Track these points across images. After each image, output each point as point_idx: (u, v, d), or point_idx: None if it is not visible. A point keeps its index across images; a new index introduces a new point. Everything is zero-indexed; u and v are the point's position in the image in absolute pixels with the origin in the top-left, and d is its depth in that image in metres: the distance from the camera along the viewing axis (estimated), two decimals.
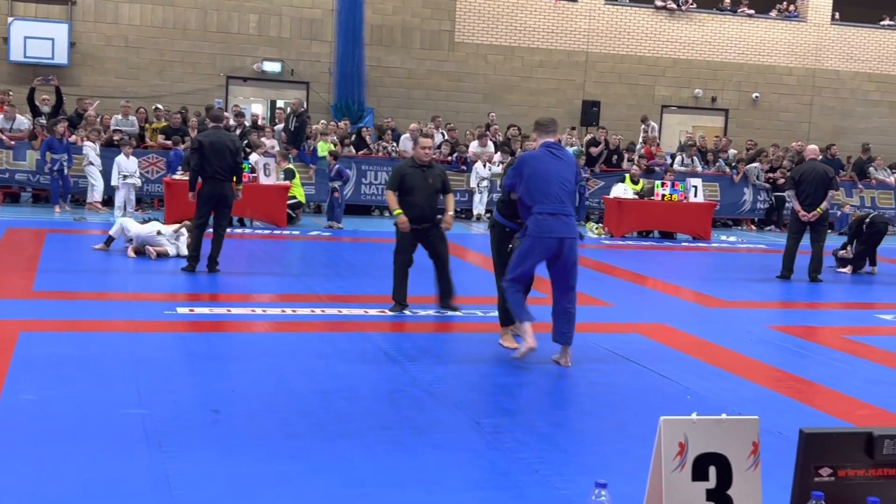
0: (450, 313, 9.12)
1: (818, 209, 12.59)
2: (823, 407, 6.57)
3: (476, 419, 5.88)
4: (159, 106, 19.93)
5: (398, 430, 5.61)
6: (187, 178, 15.75)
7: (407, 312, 9.06)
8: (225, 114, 18.01)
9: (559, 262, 7.34)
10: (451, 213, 9.32)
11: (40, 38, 21.74)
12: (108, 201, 17.47)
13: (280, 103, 22.41)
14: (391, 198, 9.07)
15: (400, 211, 8.98)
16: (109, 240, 12.15)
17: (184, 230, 12.10)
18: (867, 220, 14.10)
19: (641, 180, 18.57)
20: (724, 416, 2.56)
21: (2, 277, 10.04)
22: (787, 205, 20.85)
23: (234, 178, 11.07)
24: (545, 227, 7.15)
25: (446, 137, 20.31)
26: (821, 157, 15.73)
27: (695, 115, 26.37)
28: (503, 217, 7.84)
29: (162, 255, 11.87)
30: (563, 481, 4.81)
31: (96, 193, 17.07)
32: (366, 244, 15.25)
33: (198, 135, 12.68)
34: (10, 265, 10.92)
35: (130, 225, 12.22)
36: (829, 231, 21.08)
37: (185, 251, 11.71)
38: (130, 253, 11.82)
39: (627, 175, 18.70)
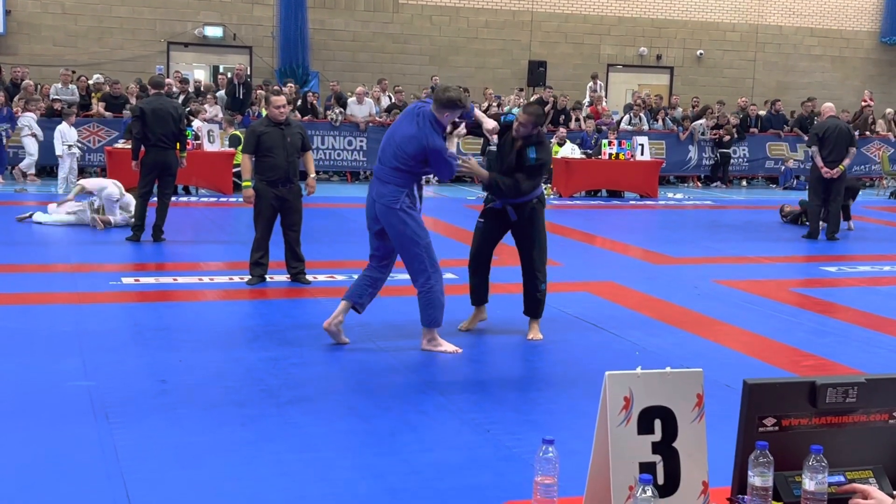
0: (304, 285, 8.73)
1: (840, 166, 12.67)
2: (769, 359, 6.66)
3: (427, 381, 5.88)
4: (99, 76, 19.53)
5: (348, 395, 5.59)
6: (129, 146, 15.54)
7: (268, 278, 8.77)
8: (167, 80, 17.72)
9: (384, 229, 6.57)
10: (312, 174, 9.02)
11: None
12: (43, 171, 17.16)
13: (222, 68, 22.09)
14: (246, 163, 8.63)
15: (249, 183, 8.59)
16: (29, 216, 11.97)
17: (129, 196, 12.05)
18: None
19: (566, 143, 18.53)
20: (668, 369, 2.56)
21: None
22: (731, 161, 21.11)
23: (178, 146, 10.91)
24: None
25: (393, 100, 20.18)
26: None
27: (640, 74, 26.44)
28: None
29: (107, 224, 11.71)
30: (514, 440, 4.84)
31: (32, 164, 16.73)
32: (315, 210, 15.13)
33: (138, 102, 12.47)
34: None
35: (89, 184, 12.05)
36: (774, 186, 21.48)
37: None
38: (99, 225, 11.62)
39: (553, 140, 18.66)
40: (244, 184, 8.72)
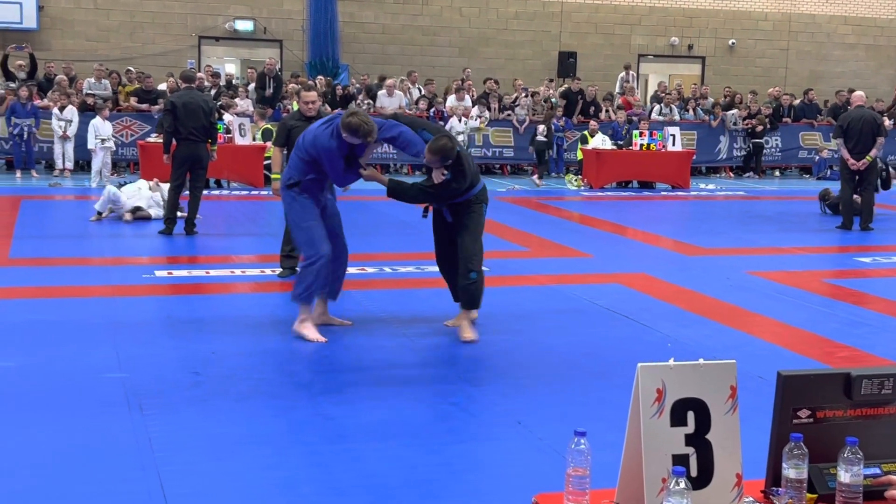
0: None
1: (867, 157, 12.52)
2: (802, 350, 6.61)
3: (459, 373, 5.89)
4: (131, 68, 19.67)
5: (380, 386, 5.61)
6: (161, 140, 15.64)
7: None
8: (199, 74, 17.82)
9: None
10: None
11: (8, 3, 21.36)
12: (77, 165, 17.34)
13: (252, 62, 22.18)
14: (276, 156, 8.62)
15: (278, 175, 8.22)
16: (99, 215, 11.93)
17: (165, 186, 12.16)
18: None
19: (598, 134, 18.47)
20: (701, 361, 2.55)
21: None
22: (763, 151, 20.94)
23: (210, 139, 10.97)
24: None
25: (423, 93, 20.16)
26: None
27: (672, 64, 26.27)
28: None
29: (141, 218, 11.79)
30: (546, 432, 4.83)
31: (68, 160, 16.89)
32: (346, 202, 15.17)
33: (170, 96, 12.53)
34: None
35: (120, 195, 11.98)
36: (807, 176, 21.28)
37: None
38: (128, 217, 11.71)
39: (587, 132, 18.60)
40: (273, 176, 8.74)
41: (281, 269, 8.71)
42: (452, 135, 6.84)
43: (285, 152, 8.56)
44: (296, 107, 18.29)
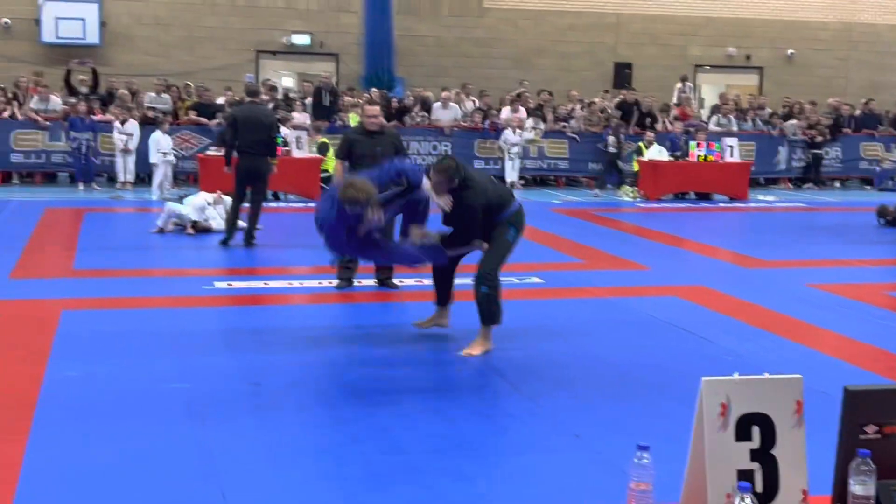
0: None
1: None
2: (866, 365, 6.49)
3: (515, 385, 5.88)
4: (189, 83, 19.96)
5: (437, 398, 5.62)
6: (221, 153, 15.83)
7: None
8: (261, 87, 18.05)
9: None
10: None
11: (71, 19, 21.84)
12: (138, 178, 17.65)
13: (310, 76, 22.38)
14: (337, 168, 8.82)
15: None
16: (161, 230, 12.08)
17: (227, 199, 12.36)
18: None
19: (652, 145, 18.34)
20: (766, 375, 2.53)
21: (43, 257, 10.16)
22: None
23: (269, 153, 11.09)
24: None
25: (478, 105, 20.19)
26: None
27: (729, 74, 26.03)
28: None
29: (203, 230, 11.94)
30: (604, 445, 4.80)
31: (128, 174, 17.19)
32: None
33: (233, 109, 12.70)
34: (51, 244, 11.04)
35: (181, 210, 12.12)
36: (868, 187, 20.93)
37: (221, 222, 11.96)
38: (190, 230, 11.88)
39: (642, 143, 18.49)
40: None
41: (338, 281, 8.77)
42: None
43: (347, 165, 8.63)
44: (352, 120, 18.48)
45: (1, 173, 18.01)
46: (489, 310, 6.54)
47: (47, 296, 8.15)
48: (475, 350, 6.49)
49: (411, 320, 7.37)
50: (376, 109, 8.78)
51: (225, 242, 11.00)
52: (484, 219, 6.53)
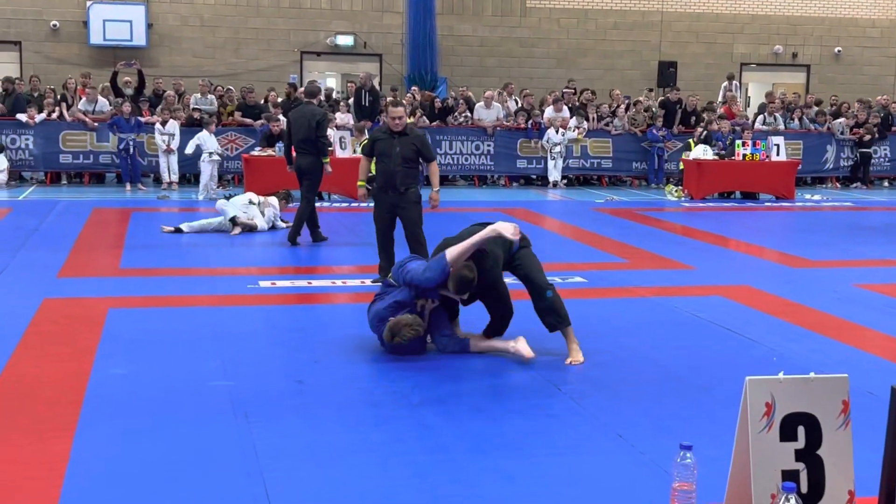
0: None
1: None
2: None
3: (557, 385, 5.86)
4: (231, 88, 20.09)
5: (479, 397, 5.61)
6: (265, 154, 15.99)
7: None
8: (300, 89, 18.15)
9: None
10: (435, 188, 9.04)
11: (119, 21, 22.14)
12: (184, 179, 17.86)
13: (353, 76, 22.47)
14: (363, 164, 9.24)
15: (362, 183, 9.27)
16: (178, 230, 12.21)
17: (272, 200, 12.47)
18: None
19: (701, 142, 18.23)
20: (812, 375, 2.49)
21: (90, 256, 10.30)
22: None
23: (318, 152, 11.20)
24: None
25: (520, 105, 20.16)
26: None
27: (775, 73, 25.77)
28: None
29: (249, 230, 12.05)
30: (648, 445, 4.77)
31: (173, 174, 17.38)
32: (444, 214, 15.26)
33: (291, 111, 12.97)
34: (98, 244, 11.19)
35: (231, 209, 12.22)
36: None
37: (276, 223, 12.50)
38: (235, 231, 11.99)
39: (691, 140, 18.38)
40: (358, 183, 9.33)
41: (378, 279, 8.80)
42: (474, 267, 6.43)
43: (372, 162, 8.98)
44: None
45: (50, 174, 18.30)
46: (563, 310, 6.47)
47: (94, 294, 8.26)
48: (579, 355, 6.37)
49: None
50: (400, 111, 8.82)
51: (315, 239, 11.43)
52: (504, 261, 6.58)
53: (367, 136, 17.28)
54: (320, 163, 11.21)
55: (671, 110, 19.93)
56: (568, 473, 4.45)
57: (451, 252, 6.27)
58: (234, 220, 12.05)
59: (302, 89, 17.88)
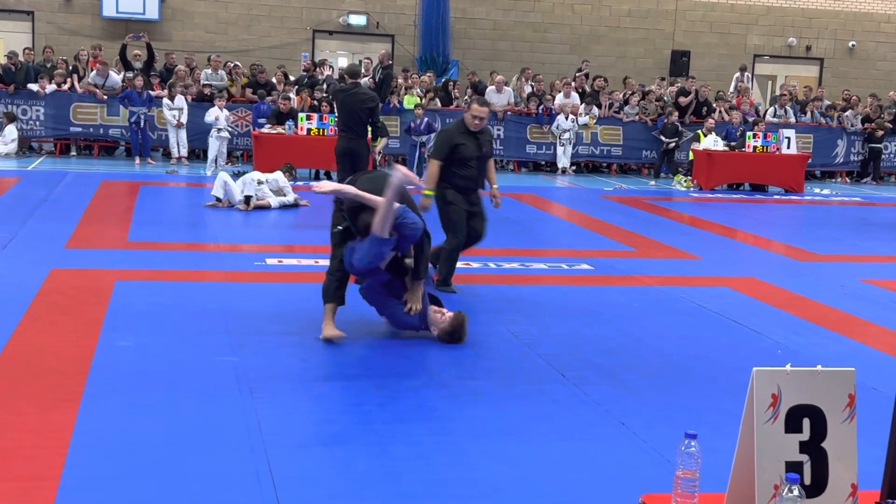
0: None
1: None
2: None
3: (561, 371, 5.87)
4: (238, 63, 20.05)
5: (483, 381, 5.63)
6: (274, 131, 15.98)
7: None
8: (303, 65, 18.08)
9: None
10: (495, 185, 8.34)
11: None
12: (193, 154, 17.87)
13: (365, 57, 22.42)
14: (434, 170, 7.84)
15: (432, 192, 7.81)
16: (217, 199, 12.23)
17: (277, 175, 12.52)
18: None
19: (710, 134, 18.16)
20: (819, 367, 2.50)
21: (98, 229, 10.31)
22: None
23: (366, 135, 11.20)
24: None
25: (533, 90, 20.11)
26: None
27: (788, 65, 25.66)
28: None
29: (261, 208, 12.07)
30: (650, 434, 4.78)
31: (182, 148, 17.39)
32: None
33: (332, 87, 12.93)
34: (106, 217, 11.21)
35: (231, 185, 12.22)
36: None
37: (287, 201, 12.42)
38: (242, 206, 12.00)
39: (700, 131, 18.32)
40: (426, 192, 7.85)
41: None
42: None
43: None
44: (408, 103, 18.46)
45: (59, 145, 18.32)
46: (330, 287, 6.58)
47: (102, 266, 8.28)
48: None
49: (459, 301, 7.38)
50: (485, 111, 7.85)
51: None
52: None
53: None
54: (366, 146, 11.21)
55: (684, 107, 19.82)
56: (569, 459, 4.47)
57: (376, 226, 6.20)
58: (247, 200, 12.05)
59: (338, 69, 17.83)
